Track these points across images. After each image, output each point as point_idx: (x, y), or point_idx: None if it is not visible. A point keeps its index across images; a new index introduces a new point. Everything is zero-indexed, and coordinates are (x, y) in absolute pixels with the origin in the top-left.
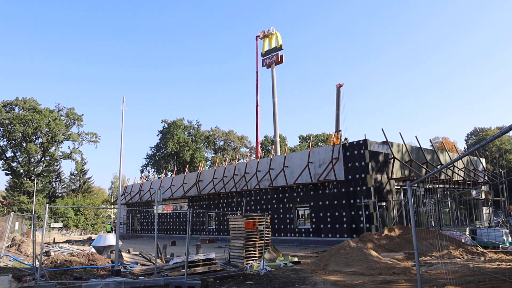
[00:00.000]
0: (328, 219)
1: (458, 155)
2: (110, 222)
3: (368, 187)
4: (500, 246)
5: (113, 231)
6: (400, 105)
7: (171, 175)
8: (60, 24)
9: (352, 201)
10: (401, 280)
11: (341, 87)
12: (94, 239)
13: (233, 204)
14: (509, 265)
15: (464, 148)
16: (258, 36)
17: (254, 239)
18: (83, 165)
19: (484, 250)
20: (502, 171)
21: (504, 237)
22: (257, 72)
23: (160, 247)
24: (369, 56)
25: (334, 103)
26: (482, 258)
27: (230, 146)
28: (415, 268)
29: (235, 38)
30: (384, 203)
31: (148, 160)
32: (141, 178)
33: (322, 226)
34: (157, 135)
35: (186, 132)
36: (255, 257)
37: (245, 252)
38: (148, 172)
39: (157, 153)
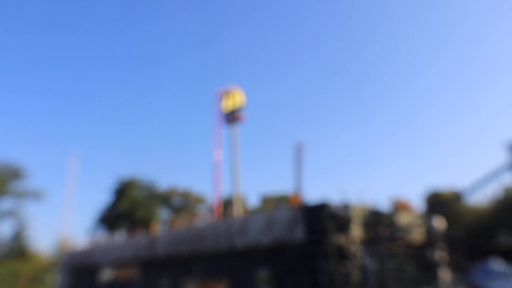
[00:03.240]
0: (289, 283)
1: (415, 217)
2: None
3: (329, 250)
4: None
5: None
6: (357, 163)
7: (123, 237)
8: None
9: (313, 264)
10: None
11: (300, 147)
12: None
13: (189, 268)
14: None
15: (423, 210)
16: (219, 93)
17: None
18: (23, 226)
19: None
20: (458, 232)
21: None
22: (217, 129)
23: None
24: (324, 114)
25: (292, 162)
26: None
27: (187, 206)
28: None
29: (193, 95)
30: (345, 266)
31: (99, 220)
32: (90, 240)
33: None
34: (111, 194)
35: (141, 192)
36: None
37: None
38: (97, 234)
39: (109, 213)
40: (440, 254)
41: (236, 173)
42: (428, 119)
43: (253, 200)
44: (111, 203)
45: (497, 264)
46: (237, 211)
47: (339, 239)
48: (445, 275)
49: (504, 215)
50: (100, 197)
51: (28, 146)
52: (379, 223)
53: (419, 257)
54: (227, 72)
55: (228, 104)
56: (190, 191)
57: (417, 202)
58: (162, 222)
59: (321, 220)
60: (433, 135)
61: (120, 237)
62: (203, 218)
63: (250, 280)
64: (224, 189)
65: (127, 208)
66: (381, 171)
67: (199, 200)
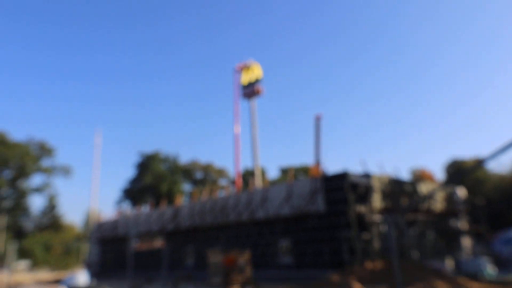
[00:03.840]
0: (310, 253)
1: (436, 186)
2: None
3: (349, 219)
4: (482, 276)
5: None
6: (379, 135)
7: (147, 209)
8: (34, 62)
9: (333, 233)
10: None
11: (319, 118)
12: (65, 279)
13: (211, 239)
14: None
15: (445, 178)
16: (237, 67)
17: (233, 275)
18: (53, 200)
19: (468, 281)
20: (481, 201)
21: (486, 267)
22: (235, 103)
23: (136, 286)
24: (347, 87)
25: (312, 134)
26: None
27: (209, 179)
28: None
29: (212, 71)
30: (366, 235)
31: (124, 194)
32: (116, 213)
33: (304, 259)
34: (135, 168)
35: (163, 165)
36: None
37: None
38: (123, 207)
39: (134, 187)
40: (461, 223)
41: (255, 145)
42: (452, 91)
43: (273, 173)
44: (135, 177)
45: None
46: (257, 183)
47: (360, 208)
48: (466, 243)
49: None
50: (125, 173)
51: (57, 126)
52: (400, 193)
53: (441, 226)
54: (248, 47)
55: (247, 78)
56: (211, 164)
57: (439, 172)
58: (185, 194)
59: (341, 190)
60: (457, 107)
61: (145, 209)
62: (224, 190)
63: (271, 250)
64: (244, 162)
65: (151, 181)
66: (403, 143)
67: (220, 173)
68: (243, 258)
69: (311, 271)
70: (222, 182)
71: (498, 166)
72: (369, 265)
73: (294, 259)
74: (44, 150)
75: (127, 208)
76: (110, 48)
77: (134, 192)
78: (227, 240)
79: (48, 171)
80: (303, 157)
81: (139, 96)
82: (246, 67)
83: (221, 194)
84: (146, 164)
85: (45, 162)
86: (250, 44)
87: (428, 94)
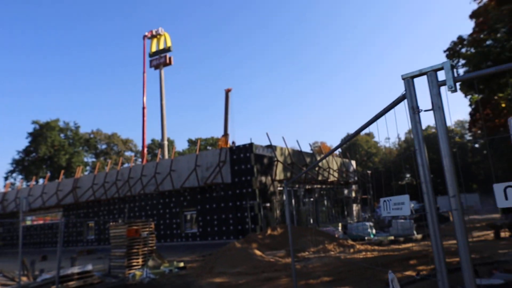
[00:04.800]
0: (215, 222)
1: (334, 159)
2: None
3: (254, 189)
4: (366, 238)
5: None
6: (284, 110)
7: (43, 182)
8: None
9: (238, 203)
10: (282, 276)
11: (229, 91)
12: None
13: (115, 212)
14: (372, 254)
15: (339, 152)
16: (146, 35)
17: (137, 247)
18: None
19: (353, 243)
20: (369, 172)
21: (369, 230)
22: (144, 73)
23: (27, 263)
24: (256, 61)
25: (223, 108)
26: (352, 250)
27: (113, 150)
28: (295, 264)
29: (118, 36)
30: (268, 204)
31: (14, 166)
32: (4, 186)
33: (209, 229)
34: (26, 138)
35: (62, 135)
36: (139, 265)
37: (127, 261)
38: (15, 179)
39: (26, 158)
40: (352, 192)
41: (163, 116)
42: (350, 71)
43: (182, 145)
44: (27, 148)
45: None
46: (165, 154)
47: (264, 179)
48: (356, 210)
49: (408, 156)
50: (18, 144)
51: None
52: (300, 164)
53: (335, 195)
54: (158, 17)
55: (156, 47)
56: (115, 134)
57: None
58: (86, 166)
59: (247, 161)
60: (354, 85)
61: (40, 182)
62: (130, 162)
63: (178, 221)
64: (152, 133)
65: (47, 152)
66: (306, 118)
67: (125, 143)
68: (147, 229)
69: (216, 240)
70: (128, 153)
71: (386, 141)
72: (270, 231)
73: (200, 229)
74: None
75: (18, 181)
76: (8, 20)
77: (27, 164)
78: (131, 213)
79: None
80: (212, 131)
81: (40, 66)
82: (155, 36)
83: (126, 165)
84: (41, 133)
85: None
86: (160, 13)
87: (332, 74)
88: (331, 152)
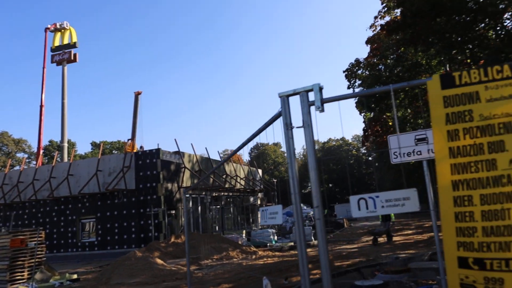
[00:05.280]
0: (116, 230)
1: (241, 167)
2: None
3: (159, 196)
4: (268, 244)
5: None
6: (195, 116)
7: None
8: None
9: (142, 210)
10: (182, 285)
11: (139, 94)
12: None
13: (1, 220)
14: (273, 260)
15: (247, 160)
16: (48, 28)
17: (22, 258)
18: None
19: (256, 249)
20: (275, 180)
21: (271, 237)
22: (44, 68)
23: None
24: (168, 65)
25: (131, 109)
26: (254, 256)
27: (2, 150)
28: (197, 272)
29: (18, 28)
30: (173, 211)
31: None
32: None
33: (109, 238)
34: None
35: None
36: (24, 279)
37: (9, 275)
38: None
39: None
40: (258, 200)
41: (64, 116)
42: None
43: (84, 148)
44: None
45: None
46: (64, 157)
47: (170, 185)
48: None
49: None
50: None
51: None
52: (208, 171)
53: (242, 202)
54: (63, 10)
55: (59, 41)
56: (5, 133)
57: (246, 154)
58: None
59: (153, 167)
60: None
61: None
62: (22, 164)
63: (73, 229)
64: (51, 134)
65: None
66: (216, 125)
67: (17, 144)
68: (36, 238)
69: (116, 249)
70: (21, 155)
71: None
72: (174, 239)
73: (99, 237)
74: None
75: None
76: None
77: None
78: (20, 221)
79: None
80: (119, 135)
81: None
82: (59, 30)
83: (17, 168)
84: None
85: None
86: (66, 7)
87: (236, 75)
88: (220, 163)
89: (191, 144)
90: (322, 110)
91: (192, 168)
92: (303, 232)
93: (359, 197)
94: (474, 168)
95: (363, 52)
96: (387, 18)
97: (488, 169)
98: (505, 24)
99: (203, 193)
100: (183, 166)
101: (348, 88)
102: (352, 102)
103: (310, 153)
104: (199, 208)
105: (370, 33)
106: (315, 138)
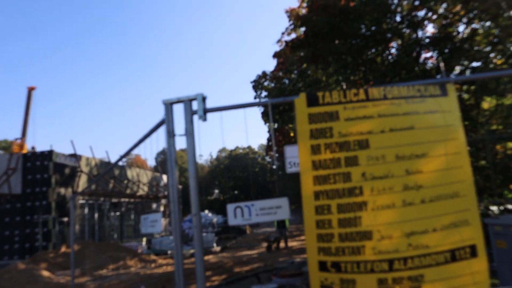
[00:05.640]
0: (2, 240)
1: (145, 172)
2: None
3: (49, 202)
4: (169, 252)
5: None
6: (95, 115)
7: None
8: None
9: (28, 217)
10: None
11: (33, 90)
12: None
13: None
14: (173, 268)
15: (155, 165)
16: None
17: None
18: None
19: (156, 257)
20: (181, 187)
21: (170, 244)
22: None
23: None
24: (65, 57)
25: (23, 108)
26: (153, 265)
27: None
28: (90, 284)
29: None
30: (66, 219)
31: None
32: None
33: None
34: None
35: None
36: None
37: None
38: None
39: None
40: (162, 207)
41: None
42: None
43: None
44: None
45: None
46: None
47: (63, 190)
48: (163, 224)
49: (218, 175)
50: None
51: None
52: (108, 176)
53: (144, 209)
54: None
55: None
56: None
57: (152, 159)
58: None
59: (43, 170)
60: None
61: None
62: None
63: None
64: None
65: None
66: (118, 124)
67: None
68: None
69: None
70: None
71: (199, 157)
72: (65, 249)
73: None
74: None
75: None
76: None
77: None
78: None
79: None
80: (7, 133)
81: None
82: None
83: None
84: None
85: None
86: None
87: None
88: (108, 169)
89: (90, 147)
90: (205, 120)
91: (90, 172)
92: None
93: (236, 205)
94: (332, 180)
95: (274, 64)
96: (294, 35)
97: (344, 181)
98: (391, 51)
99: (101, 199)
100: (79, 170)
101: (255, 98)
102: (259, 112)
103: (190, 161)
104: (96, 215)
105: (277, 48)
106: (196, 146)
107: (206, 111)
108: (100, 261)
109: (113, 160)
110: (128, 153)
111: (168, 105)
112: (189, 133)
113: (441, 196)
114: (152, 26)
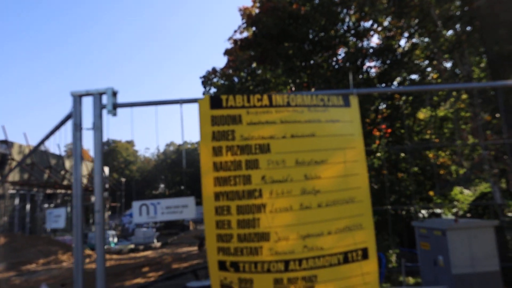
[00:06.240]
0: None
1: (85, 164)
2: None
3: None
4: (106, 247)
5: None
6: (31, 104)
7: None
8: None
9: None
10: None
11: None
12: None
13: None
14: (110, 263)
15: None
16: None
17: None
18: None
19: (91, 252)
20: (124, 180)
21: (111, 239)
22: None
23: None
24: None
25: None
26: (88, 260)
27: None
28: (15, 278)
29: None
30: None
31: None
32: None
33: None
34: None
35: None
36: None
37: None
38: None
39: None
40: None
41: None
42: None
43: None
44: None
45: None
46: None
47: None
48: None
49: (164, 168)
50: None
51: None
52: (43, 166)
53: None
54: None
55: None
56: None
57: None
58: None
59: None
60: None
61: None
62: None
63: None
64: None
65: None
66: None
67: None
68: None
69: None
70: None
71: (146, 150)
72: None
73: None
74: None
75: None
76: None
77: None
78: None
79: None
80: None
81: None
82: None
83: None
84: None
85: None
86: None
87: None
88: (29, 154)
89: (24, 133)
90: (115, 114)
91: (22, 160)
92: (81, 241)
93: (142, 203)
94: (233, 182)
95: (224, 61)
96: (246, 34)
97: (244, 183)
98: (338, 58)
99: (34, 189)
100: (10, 157)
101: (203, 94)
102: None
103: (97, 157)
104: (28, 206)
105: (228, 45)
106: (104, 139)
107: (116, 106)
108: (29, 255)
109: (52, 150)
110: (37, 147)
111: (77, 97)
112: (97, 127)
113: (338, 201)
114: (94, 12)
